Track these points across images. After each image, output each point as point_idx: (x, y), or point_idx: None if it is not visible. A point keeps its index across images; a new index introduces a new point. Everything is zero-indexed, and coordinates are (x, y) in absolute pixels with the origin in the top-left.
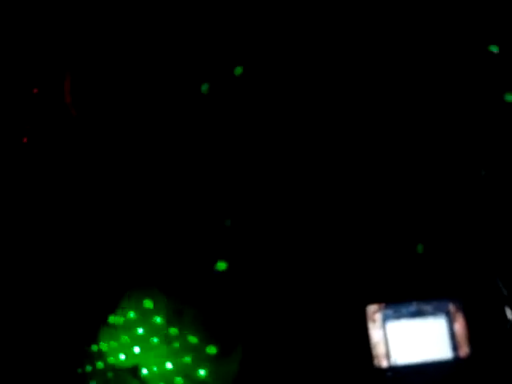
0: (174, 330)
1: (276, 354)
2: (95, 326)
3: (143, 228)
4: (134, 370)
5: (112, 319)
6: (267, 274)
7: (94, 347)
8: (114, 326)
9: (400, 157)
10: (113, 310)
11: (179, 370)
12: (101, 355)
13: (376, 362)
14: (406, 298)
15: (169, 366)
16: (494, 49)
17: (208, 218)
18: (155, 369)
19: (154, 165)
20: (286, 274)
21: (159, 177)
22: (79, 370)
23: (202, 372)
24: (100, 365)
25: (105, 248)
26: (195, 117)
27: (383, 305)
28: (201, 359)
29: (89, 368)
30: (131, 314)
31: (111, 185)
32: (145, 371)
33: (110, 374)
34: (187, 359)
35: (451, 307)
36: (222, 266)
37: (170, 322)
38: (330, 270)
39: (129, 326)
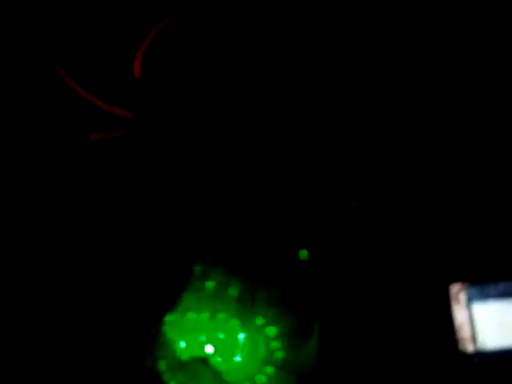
0: (247, 312)
1: (353, 336)
2: (159, 312)
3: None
4: (204, 360)
5: (176, 305)
6: (344, 251)
7: (160, 337)
8: (178, 312)
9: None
10: (177, 294)
11: (255, 357)
12: (167, 344)
13: (461, 346)
14: (494, 276)
15: (238, 357)
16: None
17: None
18: (227, 357)
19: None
20: (361, 248)
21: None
22: (147, 363)
23: (279, 355)
24: (166, 355)
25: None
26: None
27: (468, 283)
28: (278, 340)
29: (156, 360)
30: (195, 295)
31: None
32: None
33: (175, 364)
34: (261, 346)
35: None
36: (303, 254)
37: (242, 301)
38: (406, 246)
39: (194, 308)
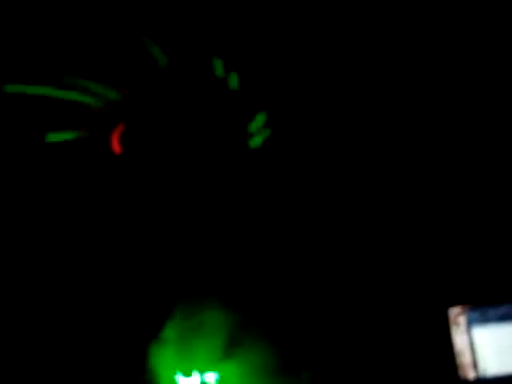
0: (235, 345)
1: (352, 361)
2: (146, 341)
3: (205, 236)
4: None
5: (164, 333)
6: (339, 277)
7: (146, 363)
8: (166, 340)
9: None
10: (164, 323)
11: None
12: (153, 373)
13: (461, 372)
14: (494, 300)
15: None
16: None
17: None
18: None
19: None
20: (360, 272)
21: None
22: None
23: None
24: None
25: (161, 254)
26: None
27: (468, 307)
28: (266, 378)
29: None
30: (186, 327)
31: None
32: None
33: None
34: (251, 379)
35: None
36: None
37: (232, 337)
38: (408, 269)
39: (183, 340)
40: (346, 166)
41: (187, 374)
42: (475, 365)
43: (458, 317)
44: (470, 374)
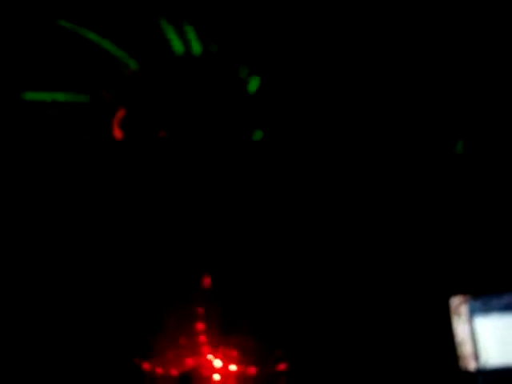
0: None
1: (350, 352)
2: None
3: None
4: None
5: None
6: (337, 266)
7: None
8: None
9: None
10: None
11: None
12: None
13: (462, 363)
14: (497, 289)
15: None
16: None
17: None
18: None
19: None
20: (360, 261)
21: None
22: None
23: None
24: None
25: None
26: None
27: (470, 296)
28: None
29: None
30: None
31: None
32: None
33: None
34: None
35: None
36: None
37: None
38: (408, 258)
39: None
40: (349, 159)
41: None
42: (476, 355)
43: (459, 306)
44: (472, 365)
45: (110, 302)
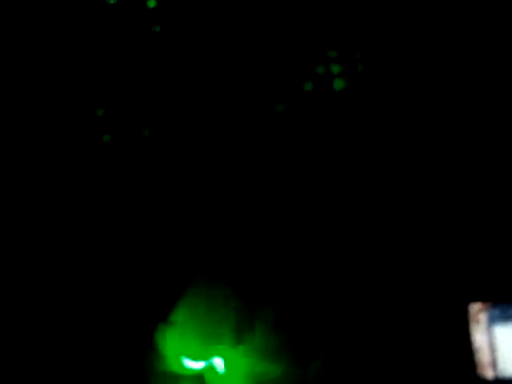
0: (244, 331)
1: (366, 358)
2: (154, 323)
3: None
4: (201, 378)
5: (173, 316)
6: (355, 268)
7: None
8: (175, 324)
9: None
10: (174, 307)
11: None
12: (160, 358)
13: (480, 371)
14: None
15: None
16: None
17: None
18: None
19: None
20: (378, 265)
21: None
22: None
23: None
24: (160, 369)
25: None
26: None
27: (489, 304)
28: (273, 365)
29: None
30: (195, 312)
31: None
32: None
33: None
34: (259, 366)
35: None
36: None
37: (240, 322)
38: (428, 264)
39: (192, 325)
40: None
41: (194, 358)
42: (494, 364)
43: (478, 313)
44: (489, 373)
45: (110, 302)
